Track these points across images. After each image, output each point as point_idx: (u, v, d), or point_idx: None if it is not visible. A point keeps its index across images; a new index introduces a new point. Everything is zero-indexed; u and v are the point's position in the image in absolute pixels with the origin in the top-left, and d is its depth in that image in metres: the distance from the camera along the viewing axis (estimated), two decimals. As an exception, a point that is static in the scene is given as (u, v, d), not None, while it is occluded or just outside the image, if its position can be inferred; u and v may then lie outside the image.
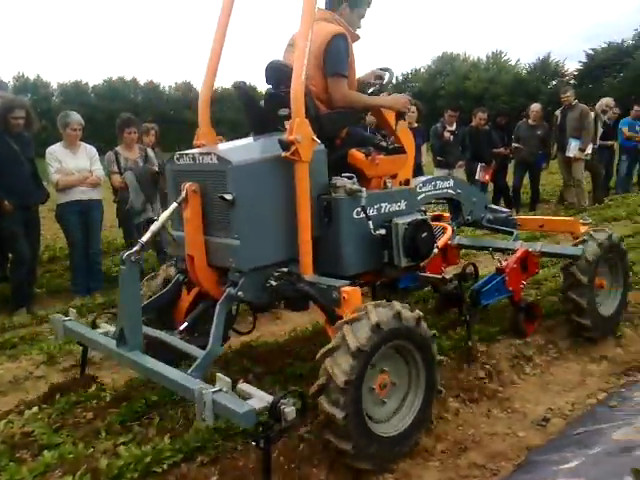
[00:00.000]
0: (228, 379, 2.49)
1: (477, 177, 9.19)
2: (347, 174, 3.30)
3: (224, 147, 3.45)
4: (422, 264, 3.53)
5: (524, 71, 53.87)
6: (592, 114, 10.01)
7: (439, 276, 3.95)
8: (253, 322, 3.83)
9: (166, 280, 3.68)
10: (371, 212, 3.31)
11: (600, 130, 10.62)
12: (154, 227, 3.09)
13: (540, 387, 3.63)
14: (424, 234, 3.42)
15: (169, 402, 3.41)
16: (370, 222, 3.24)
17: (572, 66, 50.42)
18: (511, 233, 4.65)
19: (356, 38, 3.64)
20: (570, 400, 3.46)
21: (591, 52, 47.23)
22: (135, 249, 2.99)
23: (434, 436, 3.07)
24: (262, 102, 3.70)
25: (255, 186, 3.05)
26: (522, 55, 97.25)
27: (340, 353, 2.64)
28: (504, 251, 4.34)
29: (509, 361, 3.88)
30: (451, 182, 4.31)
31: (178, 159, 3.35)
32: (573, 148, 9.59)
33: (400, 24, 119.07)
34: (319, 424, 2.75)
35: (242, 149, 3.32)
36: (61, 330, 3.45)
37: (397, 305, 2.85)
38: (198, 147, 3.56)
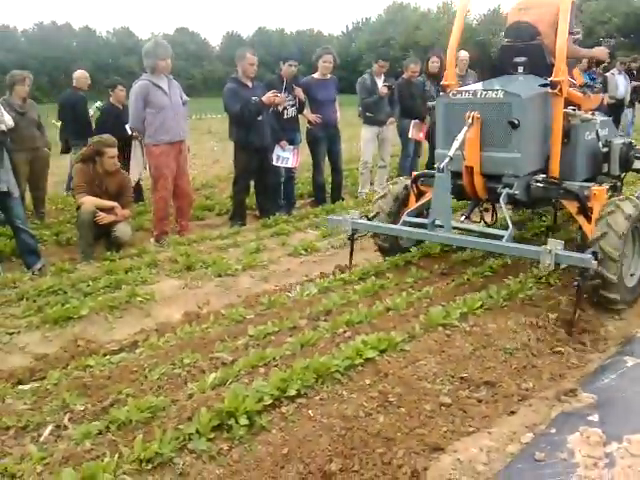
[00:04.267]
0: (560, 240, 3.67)
1: (410, 135, 8.24)
2: (571, 106, 4.43)
3: (500, 85, 4.40)
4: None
5: (474, 22, 52.73)
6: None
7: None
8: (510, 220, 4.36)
9: (396, 195, 5.01)
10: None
11: None
12: (456, 144, 4.15)
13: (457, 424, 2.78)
14: (632, 152, 4.87)
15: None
16: (600, 142, 4.64)
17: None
18: None
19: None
20: (487, 445, 2.62)
21: (541, 3, 46.41)
22: (447, 160, 4.12)
23: None
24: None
25: (531, 114, 4.22)
26: (472, 6, 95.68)
27: (617, 215, 3.87)
28: None
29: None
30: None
31: (454, 94, 4.51)
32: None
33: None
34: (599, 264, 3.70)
35: (519, 86, 4.39)
36: (350, 225, 4.66)
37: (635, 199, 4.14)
38: (448, 87, 4.76)
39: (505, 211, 4.32)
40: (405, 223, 4.57)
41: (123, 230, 5.52)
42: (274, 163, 6.77)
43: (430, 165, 9.26)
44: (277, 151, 6.79)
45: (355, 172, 9.09)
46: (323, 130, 7.36)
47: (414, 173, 5.16)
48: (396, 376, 3.00)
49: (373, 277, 4.53)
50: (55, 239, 6.01)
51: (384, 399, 2.83)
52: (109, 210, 5.42)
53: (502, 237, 4.08)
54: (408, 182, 5.05)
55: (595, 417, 2.75)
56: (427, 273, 4.64)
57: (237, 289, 4.66)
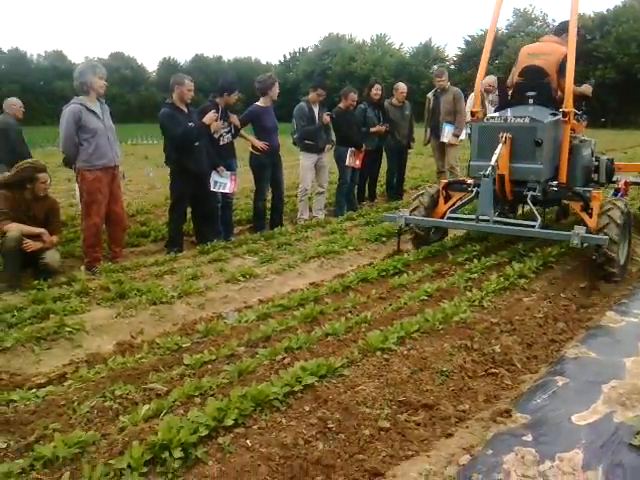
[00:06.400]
0: (583, 226, 5.09)
1: (347, 163, 8.37)
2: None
3: (524, 113, 5.64)
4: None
5: (407, 55, 54.56)
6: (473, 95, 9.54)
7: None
8: (537, 213, 5.66)
9: (433, 193, 6.30)
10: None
11: (491, 109, 10.16)
12: (494, 157, 5.39)
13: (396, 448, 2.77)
14: (613, 165, 6.62)
15: None
16: (594, 157, 6.35)
17: (452, 52, 51.73)
18: None
19: None
20: (426, 468, 2.63)
21: (469, 38, 48.58)
22: (489, 170, 5.34)
23: None
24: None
25: (549, 135, 5.54)
26: (405, 39, 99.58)
27: (615, 210, 5.20)
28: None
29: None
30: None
31: (488, 120, 5.91)
32: (447, 133, 9.07)
33: (288, 2, 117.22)
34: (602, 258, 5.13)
35: (538, 114, 5.62)
36: (403, 220, 5.93)
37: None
38: (476, 114, 6.12)
39: (532, 208, 5.62)
40: (450, 218, 5.92)
41: (52, 257, 5.29)
42: (212, 189, 6.70)
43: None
44: (214, 177, 6.73)
45: (294, 199, 9.11)
46: (269, 157, 7.41)
47: (443, 181, 6.61)
48: (335, 402, 2.98)
49: (312, 303, 4.52)
50: (-22, 268, 5.69)
51: (323, 425, 2.80)
52: (36, 237, 5.19)
53: (533, 226, 5.37)
54: (439, 187, 6.36)
55: (529, 437, 2.81)
56: (365, 298, 4.67)
57: (173, 317, 4.54)
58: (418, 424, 2.94)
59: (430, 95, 9.43)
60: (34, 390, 3.23)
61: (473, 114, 6.11)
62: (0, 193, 5.17)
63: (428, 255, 5.96)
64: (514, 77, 6.30)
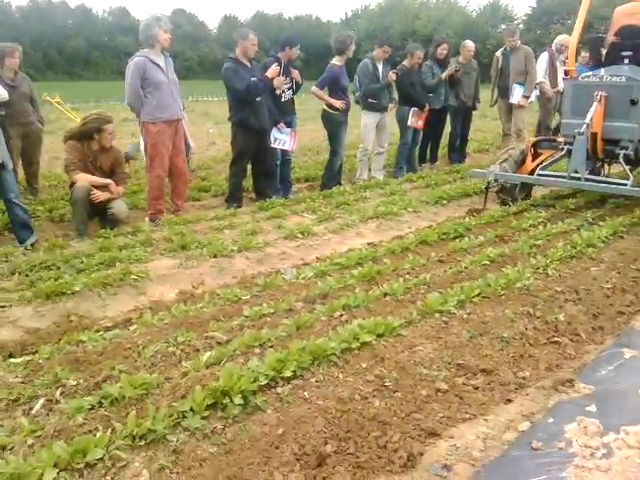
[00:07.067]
0: None
1: (409, 123, 8.19)
2: None
3: (619, 72, 5.73)
4: None
5: (474, 13, 52.51)
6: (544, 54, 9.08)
7: None
8: (629, 172, 5.79)
9: (521, 150, 6.45)
10: None
11: (562, 70, 9.72)
12: (589, 115, 5.54)
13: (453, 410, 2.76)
14: None
15: None
16: None
17: (522, 11, 49.47)
18: None
19: None
20: (483, 432, 2.60)
21: (541, -3, 46.21)
22: (584, 128, 5.51)
23: None
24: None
25: None
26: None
27: None
28: None
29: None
30: None
31: (583, 78, 5.97)
32: (517, 94, 8.71)
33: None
34: None
35: (635, 73, 5.66)
36: (492, 176, 6.10)
37: None
38: (570, 72, 6.24)
39: (624, 166, 5.75)
40: (540, 175, 6.05)
41: (120, 208, 5.43)
42: (272, 145, 6.70)
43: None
44: (274, 133, 6.71)
45: (352, 158, 9.02)
46: (345, 115, 7.40)
47: (530, 139, 6.89)
48: (392, 361, 2.97)
49: (370, 262, 4.50)
50: (48, 215, 5.92)
51: (380, 383, 2.81)
52: (103, 187, 5.33)
53: (625, 185, 5.51)
54: (527, 144, 6.55)
55: (592, 408, 2.72)
56: (424, 260, 4.60)
57: (232, 270, 4.61)
58: (476, 388, 2.90)
59: (499, 54, 9.05)
60: (101, 333, 3.36)
61: (567, 73, 6.29)
62: (69, 144, 5.31)
63: (490, 220, 5.81)
64: (609, 37, 6.27)
